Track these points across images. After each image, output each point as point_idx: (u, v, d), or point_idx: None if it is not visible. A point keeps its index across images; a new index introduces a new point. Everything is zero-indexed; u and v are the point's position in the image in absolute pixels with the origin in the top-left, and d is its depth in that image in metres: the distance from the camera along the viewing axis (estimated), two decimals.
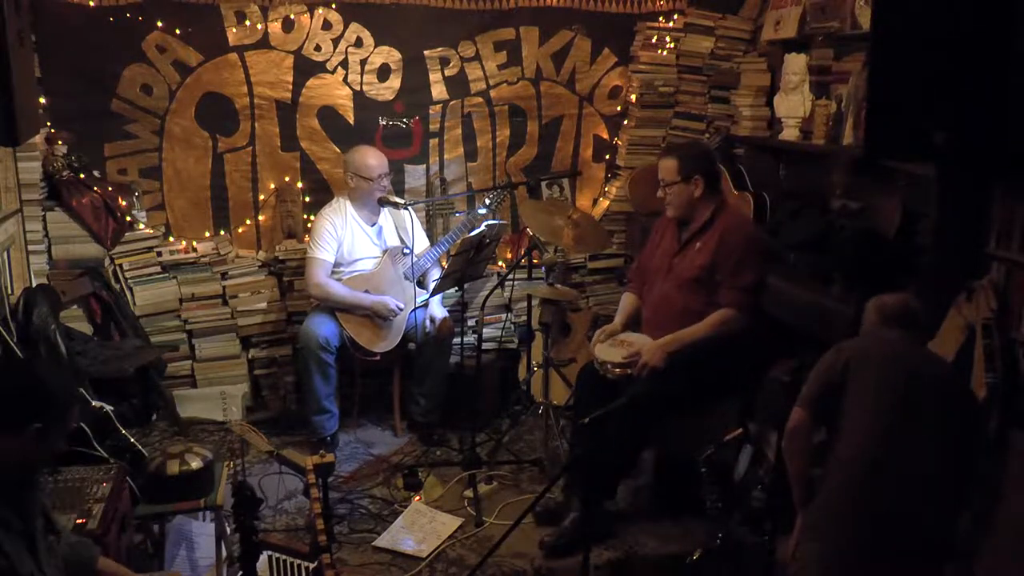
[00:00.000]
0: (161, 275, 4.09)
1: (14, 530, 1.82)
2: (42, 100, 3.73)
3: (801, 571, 2.24)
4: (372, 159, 3.85)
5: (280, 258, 4.22)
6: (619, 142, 4.63)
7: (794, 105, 3.83)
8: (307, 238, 4.09)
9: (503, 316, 4.38)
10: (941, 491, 2.18)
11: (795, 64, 3.80)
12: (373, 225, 3.98)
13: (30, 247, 3.67)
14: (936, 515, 2.18)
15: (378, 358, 3.85)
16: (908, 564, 2.16)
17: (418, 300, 3.92)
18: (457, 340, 3.98)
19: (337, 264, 3.89)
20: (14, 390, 1.85)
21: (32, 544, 1.88)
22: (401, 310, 3.85)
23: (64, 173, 3.80)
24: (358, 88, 4.24)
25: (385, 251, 3.98)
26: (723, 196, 3.36)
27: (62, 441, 2.11)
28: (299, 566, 2.34)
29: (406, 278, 3.94)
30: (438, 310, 3.97)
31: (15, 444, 1.80)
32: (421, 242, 4.07)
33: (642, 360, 3.06)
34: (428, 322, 3.91)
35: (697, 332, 3.11)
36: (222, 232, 4.26)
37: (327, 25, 4.13)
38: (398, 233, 4.04)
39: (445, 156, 4.45)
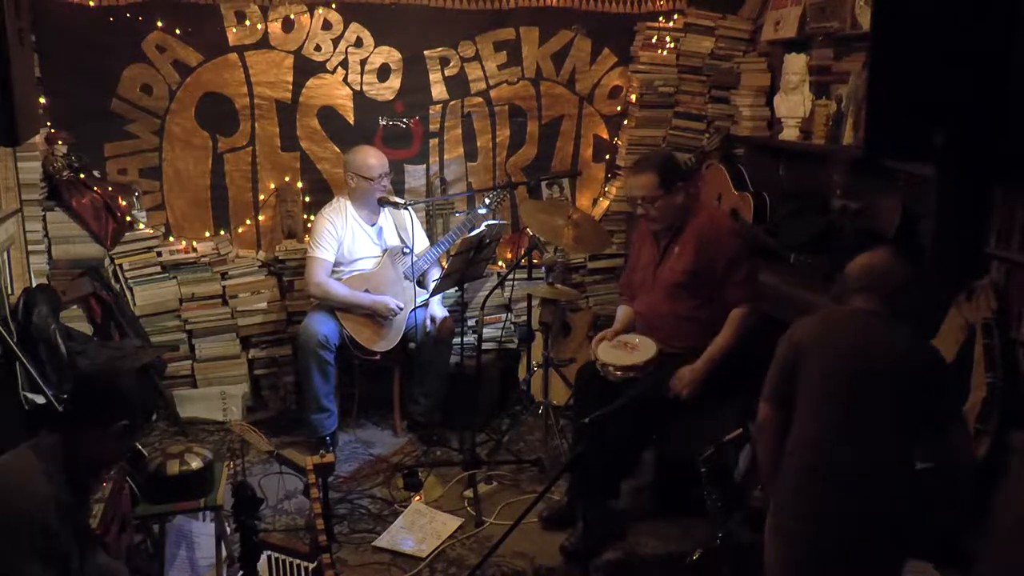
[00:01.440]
0: (161, 275, 4.09)
1: (72, 522, 1.94)
2: (42, 100, 3.73)
3: (769, 571, 2.20)
4: (372, 159, 3.85)
5: (280, 258, 4.22)
6: (619, 142, 4.62)
7: (794, 105, 3.83)
8: (307, 238, 4.09)
9: (503, 316, 4.38)
10: (900, 481, 2.09)
11: (795, 64, 3.81)
12: (373, 225, 3.98)
13: (30, 247, 3.67)
14: (896, 507, 2.08)
15: (378, 357, 3.86)
16: (869, 562, 2.09)
17: (418, 300, 3.92)
18: (457, 340, 3.98)
19: (337, 264, 3.89)
20: (109, 389, 2.12)
21: (83, 542, 1.95)
22: (401, 310, 3.85)
23: (64, 173, 3.80)
24: (358, 88, 4.24)
25: (385, 251, 3.98)
26: (694, 196, 3.36)
27: (136, 441, 2.42)
28: (299, 566, 2.35)
29: (406, 278, 3.94)
30: (438, 310, 3.97)
31: (101, 437, 2.03)
32: (421, 242, 4.07)
33: (676, 385, 3.04)
34: (428, 322, 3.91)
35: (723, 344, 3.06)
36: (222, 232, 4.26)
37: (327, 25, 4.13)
38: (398, 233, 4.04)
39: (445, 156, 4.45)
